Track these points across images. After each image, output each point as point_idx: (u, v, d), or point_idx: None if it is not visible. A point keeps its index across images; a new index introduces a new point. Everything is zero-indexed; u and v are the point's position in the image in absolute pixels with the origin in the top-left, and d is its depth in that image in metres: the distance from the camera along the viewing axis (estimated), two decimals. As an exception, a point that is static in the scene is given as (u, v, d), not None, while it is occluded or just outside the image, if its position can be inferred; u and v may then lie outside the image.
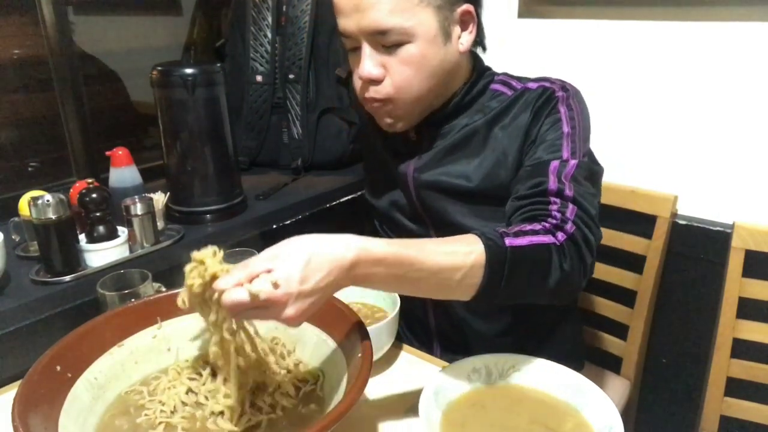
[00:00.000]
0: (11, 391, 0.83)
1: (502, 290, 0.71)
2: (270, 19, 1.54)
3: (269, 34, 1.54)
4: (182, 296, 0.67)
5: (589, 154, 0.91)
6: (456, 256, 0.68)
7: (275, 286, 0.57)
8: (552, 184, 0.82)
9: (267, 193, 1.42)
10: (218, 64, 1.25)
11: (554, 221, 0.78)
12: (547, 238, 0.74)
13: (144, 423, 0.69)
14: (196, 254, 0.63)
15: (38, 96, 1.39)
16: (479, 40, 0.97)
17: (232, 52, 1.60)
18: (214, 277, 0.62)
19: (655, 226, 1.27)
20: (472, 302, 0.72)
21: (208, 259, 0.63)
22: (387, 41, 0.85)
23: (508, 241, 0.71)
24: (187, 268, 0.64)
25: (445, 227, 0.97)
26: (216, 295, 0.59)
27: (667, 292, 1.35)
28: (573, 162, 0.85)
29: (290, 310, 0.58)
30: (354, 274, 0.63)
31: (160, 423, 0.68)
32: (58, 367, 0.68)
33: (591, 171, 0.88)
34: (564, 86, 0.93)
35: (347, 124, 1.57)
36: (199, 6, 1.74)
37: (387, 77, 0.88)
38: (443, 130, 0.97)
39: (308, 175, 1.57)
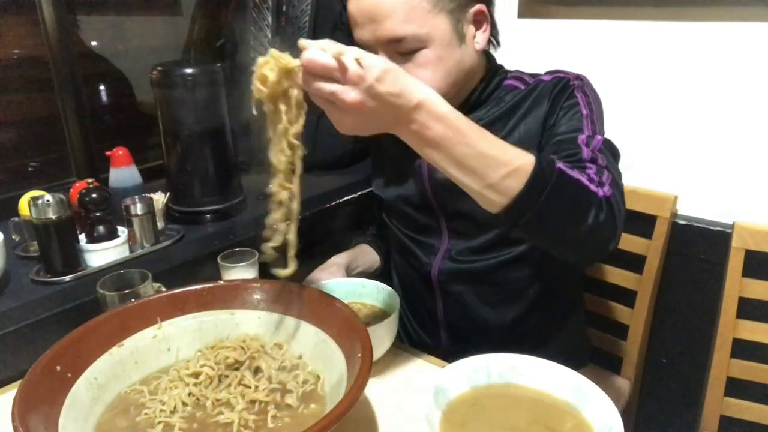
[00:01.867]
0: (11, 391, 0.83)
1: (536, 210, 0.69)
2: (270, 19, 1.54)
3: (269, 34, 1.54)
4: (256, 87, 0.67)
5: (603, 135, 0.92)
6: (507, 153, 0.68)
7: (358, 63, 0.60)
8: (585, 153, 0.83)
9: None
10: (218, 64, 1.25)
11: (593, 178, 0.78)
12: (592, 186, 0.75)
13: (143, 422, 0.69)
14: (272, 51, 0.65)
15: (38, 96, 1.39)
16: (493, 37, 0.99)
17: (232, 52, 1.60)
18: (287, 71, 0.64)
19: (655, 226, 1.27)
20: (500, 216, 0.70)
21: (283, 56, 0.64)
22: (403, 49, 0.87)
23: (559, 165, 0.72)
24: (260, 60, 0.66)
25: (458, 218, 0.99)
26: (291, 89, 0.65)
27: (667, 292, 1.35)
28: (598, 137, 0.87)
29: (354, 95, 0.61)
30: (413, 117, 0.64)
31: (159, 423, 0.68)
32: (58, 367, 0.68)
33: (613, 151, 0.90)
34: (578, 76, 0.95)
35: (347, 124, 1.57)
36: (199, 6, 1.74)
37: None
38: None
39: (308, 175, 1.56)
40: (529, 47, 1.47)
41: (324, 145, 1.58)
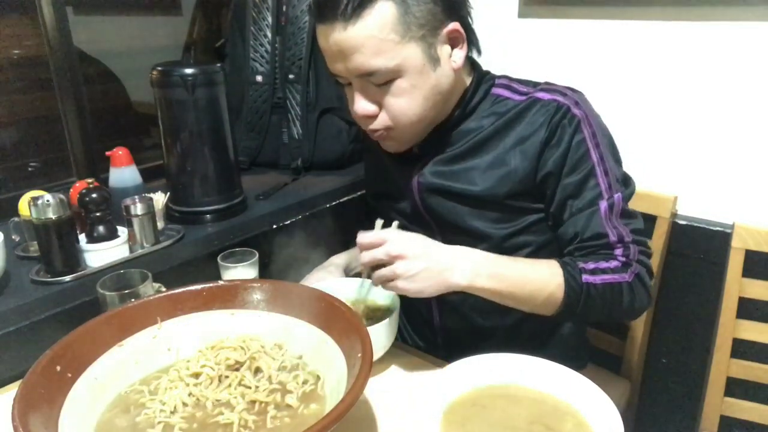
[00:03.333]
0: (11, 391, 0.83)
1: (578, 315, 0.87)
2: (270, 19, 1.54)
3: (269, 34, 1.54)
4: None
5: (619, 163, 0.94)
6: (541, 285, 0.85)
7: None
8: (612, 236, 0.88)
9: (267, 193, 1.42)
10: (218, 64, 1.25)
11: (623, 260, 0.88)
12: (619, 277, 0.86)
13: (143, 422, 0.69)
14: None
15: (38, 96, 1.39)
16: (474, 47, 0.95)
17: (232, 52, 1.60)
18: None
19: (655, 226, 1.27)
20: (554, 317, 0.89)
21: None
22: (377, 81, 0.86)
23: (584, 278, 0.85)
24: None
25: (451, 229, 0.98)
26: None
27: (667, 292, 1.35)
28: (617, 196, 0.90)
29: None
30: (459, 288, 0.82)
31: (159, 423, 0.68)
32: (58, 367, 0.68)
33: (629, 192, 0.94)
34: (576, 101, 0.91)
35: (347, 124, 1.57)
36: (199, 6, 1.74)
37: (382, 110, 0.89)
38: (448, 138, 0.97)
39: (308, 175, 1.57)
40: (529, 47, 1.47)
41: (324, 145, 1.59)
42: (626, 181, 0.95)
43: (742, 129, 1.23)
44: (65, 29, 1.36)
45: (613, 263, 0.87)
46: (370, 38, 0.82)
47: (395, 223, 0.90)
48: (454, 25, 0.88)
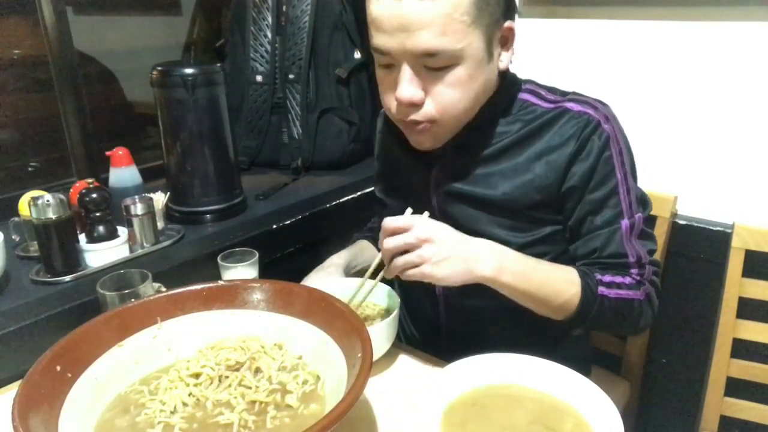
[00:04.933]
0: (11, 391, 0.83)
1: (586, 324, 0.88)
2: (270, 19, 1.54)
3: (269, 34, 1.54)
4: None
5: (636, 182, 0.94)
6: (559, 289, 0.85)
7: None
8: (631, 257, 0.89)
9: (267, 193, 1.42)
10: (218, 64, 1.25)
11: (636, 279, 0.89)
12: (633, 294, 0.88)
13: (143, 422, 0.69)
14: None
15: (38, 96, 1.40)
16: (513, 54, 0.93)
17: (232, 52, 1.60)
18: None
19: (655, 226, 1.27)
20: (563, 323, 0.89)
21: None
22: (434, 64, 0.80)
23: (600, 290, 0.85)
24: None
25: (467, 234, 0.95)
26: None
27: (667, 292, 1.35)
28: (637, 217, 0.90)
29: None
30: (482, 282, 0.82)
31: (159, 423, 0.68)
32: (58, 367, 0.68)
33: (647, 212, 0.95)
34: (606, 116, 0.89)
35: (347, 124, 1.57)
36: (199, 6, 1.74)
37: (428, 99, 0.83)
38: (472, 140, 0.93)
39: (308, 175, 1.57)
40: (529, 47, 1.47)
41: (324, 145, 1.59)
42: (644, 202, 0.96)
43: (742, 129, 1.23)
44: (65, 29, 1.37)
45: (628, 279, 0.88)
46: (443, 15, 0.76)
47: (426, 213, 0.86)
48: (510, 24, 0.86)
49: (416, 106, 0.83)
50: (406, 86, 0.81)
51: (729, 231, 1.19)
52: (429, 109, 0.84)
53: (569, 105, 0.90)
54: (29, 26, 1.34)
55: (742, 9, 1.17)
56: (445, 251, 0.79)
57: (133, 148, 1.25)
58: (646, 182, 1.32)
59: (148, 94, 1.26)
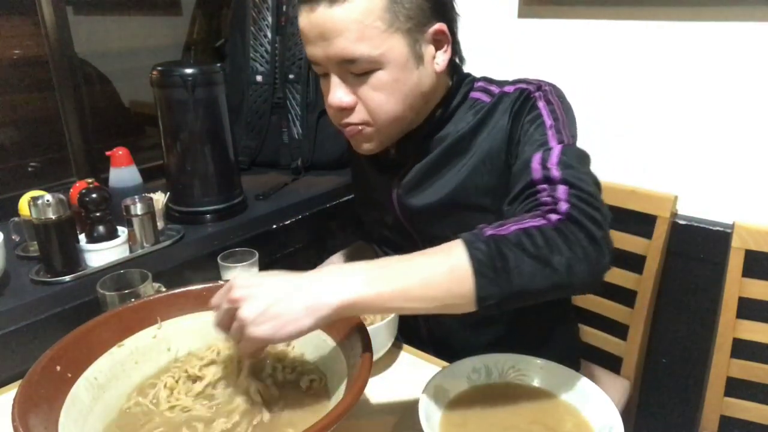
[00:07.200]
0: (11, 391, 0.83)
1: (501, 288, 0.63)
2: (270, 19, 1.54)
3: (269, 34, 1.54)
4: None
5: (575, 139, 0.87)
6: (436, 264, 0.64)
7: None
8: (536, 173, 0.77)
9: (267, 193, 1.42)
10: (218, 64, 1.25)
11: (545, 207, 0.71)
12: (536, 222, 0.68)
13: (143, 422, 0.69)
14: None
15: (38, 96, 1.39)
16: (457, 54, 0.93)
17: (232, 52, 1.60)
18: None
19: (655, 226, 1.27)
20: (481, 312, 0.65)
21: None
22: (356, 69, 0.82)
23: (487, 232, 0.66)
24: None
25: (436, 240, 0.92)
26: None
27: (667, 292, 1.35)
28: (558, 147, 0.79)
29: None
30: (341, 314, 0.64)
31: (159, 422, 0.68)
32: (58, 367, 0.68)
33: (581, 154, 0.81)
34: (540, 85, 0.89)
35: (347, 124, 1.57)
36: (199, 6, 1.74)
37: (359, 103, 0.86)
38: (424, 145, 0.94)
39: (308, 175, 1.57)
40: (529, 47, 1.47)
41: (324, 145, 1.59)
42: (583, 157, 0.82)
43: (742, 129, 1.23)
44: (65, 29, 1.37)
45: (528, 215, 0.71)
46: (355, 22, 0.78)
47: (255, 268, 0.78)
48: (440, 26, 0.85)
49: (348, 110, 0.86)
50: (336, 92, 0.85)
51: (729, 231, 1.19)
52: (360, 113, 0.86)
53: (507, 89, 0.91)
54: (29, 26, 1.34)
55: (742, 9, 1.17)
56: (258, 304, 0.62)
57: (133, 148, 1.25)
58: (646, 182, 1.33)
59: (148, 94, 1.26)
